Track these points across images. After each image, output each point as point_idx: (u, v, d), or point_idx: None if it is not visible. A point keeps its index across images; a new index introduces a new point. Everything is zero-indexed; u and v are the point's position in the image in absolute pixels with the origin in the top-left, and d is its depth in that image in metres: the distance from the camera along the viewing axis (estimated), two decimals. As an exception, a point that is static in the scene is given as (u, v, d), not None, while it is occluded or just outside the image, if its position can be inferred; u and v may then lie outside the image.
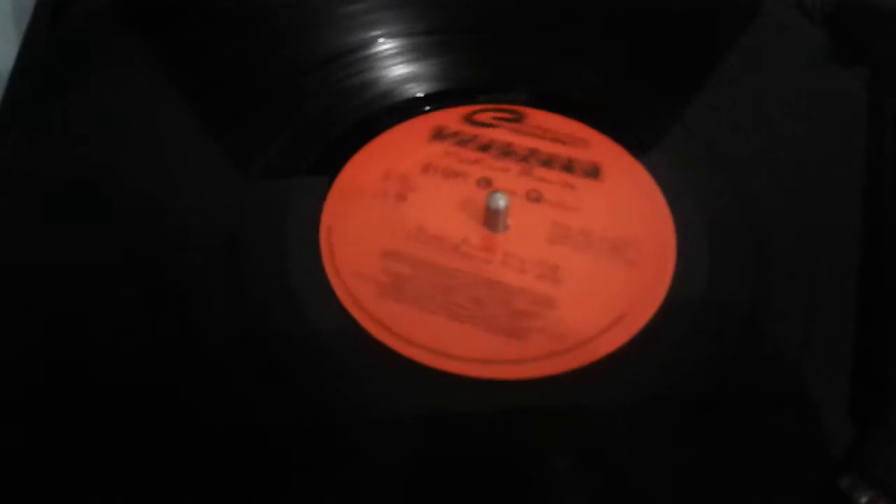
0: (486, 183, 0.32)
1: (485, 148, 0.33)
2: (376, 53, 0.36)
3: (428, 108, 0.34)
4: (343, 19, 0.36)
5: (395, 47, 0.36)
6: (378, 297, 0.28)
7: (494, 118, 0.34)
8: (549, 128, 0.34)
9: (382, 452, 0.25)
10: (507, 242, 0.30)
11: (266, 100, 0.34)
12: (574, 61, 0.36)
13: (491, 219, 0.30)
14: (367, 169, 0.32)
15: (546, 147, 0.33)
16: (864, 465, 0.23)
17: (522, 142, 0.33)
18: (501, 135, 0.34)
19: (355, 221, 0.31)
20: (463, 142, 0.33)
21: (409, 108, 0.34)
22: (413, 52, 0.36)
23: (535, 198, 0.32)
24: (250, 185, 0.31)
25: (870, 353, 0.27)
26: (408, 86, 0.35)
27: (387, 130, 0.33)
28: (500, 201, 0.30)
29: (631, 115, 0.34)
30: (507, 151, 0.33)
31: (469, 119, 0.34)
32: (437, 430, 0.26)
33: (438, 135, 0.33)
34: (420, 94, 0.35)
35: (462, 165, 0.32)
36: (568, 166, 0.33)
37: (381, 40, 0.36)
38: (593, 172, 0.32)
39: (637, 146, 0.33)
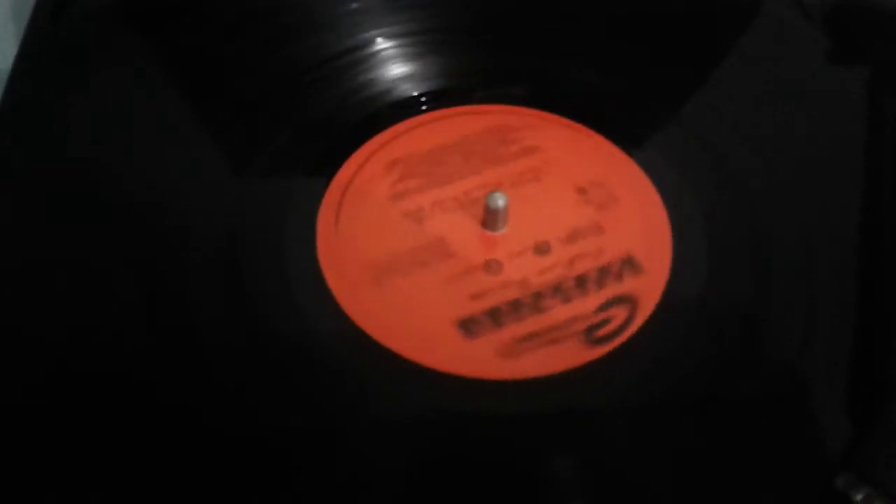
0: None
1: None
2: (375, 53, 0.36)
3: (425, 107, 0.34)
4: (342, 18, 0.36)
5: (394, 46, 0.36)
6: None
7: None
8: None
9: (383, 454, 0.25)
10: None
11: (266, 99, 0.34)
12: (573, 61, 0.36)
13: (490, 219, 0.30)
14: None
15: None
16: (862, 464, 0.24)
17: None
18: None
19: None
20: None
21: (407, 107, 0.34)
22: (412, 52, 0.36)
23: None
24: (250, 185, 0.31)
25: (869, 353, 0.27)
26: (406, 85, 0.35)
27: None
28: (499, 200, 0.30)
29: (630, 114, 0.34)
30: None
31: None
32: (453, 430, 0.26)
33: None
34: (416, 93, 0.35)
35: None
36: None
37: (378, 39, 0.36)
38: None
39: (636, 145, 0.33)
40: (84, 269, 0.29)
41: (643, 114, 0.34)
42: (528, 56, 0.36)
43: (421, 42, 0.36)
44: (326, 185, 0.32)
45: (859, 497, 0.23)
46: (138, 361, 0.27)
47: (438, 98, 0.35)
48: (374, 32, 0.36)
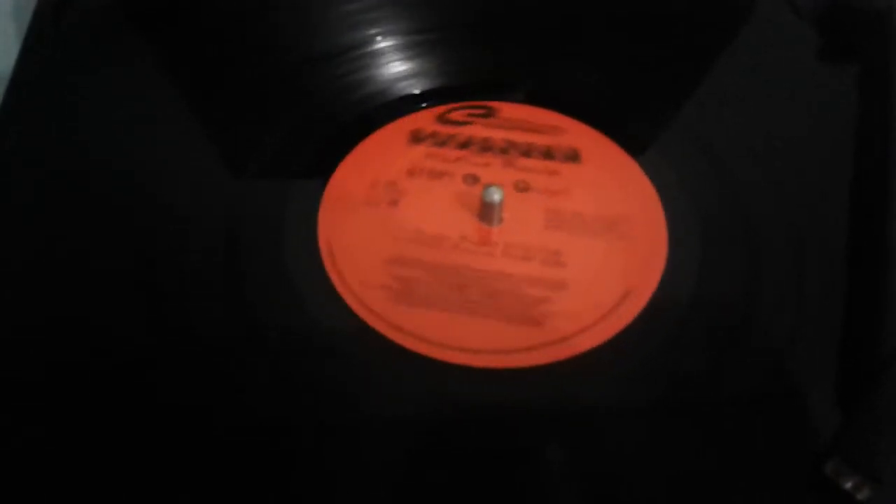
0: (472, 179, 0.32)
1: (464, 145, 0.33)
2: (375, 51, 0.36)
3: (424, 104, 0.35)
4: (345, 17, 0.37)
5: (393, 45, 0.36)
6: (388, 301, 0.29)
7: (468, 115, 0.34)
8: (521, 119, 0.34)
9: (405, 450, 0.26)
10: (505, 234, 0.31)
11: (266, 99, 0.34)
12: (572, 60, 0.36)
13: (486, 213, 0.31)
14: (354, 176, 0.33)
15: (522, 137, 0.34)
16: (848, 451, 0.24)
17: (499, 135, 0.34)
18: (477, 131, 0.34)
19: (351, 226, 0.31)
20: (441, 142, 0.33)
21: (405, 106, 0.35)
22: (411, 50, 0.36)
23: (523, 188, 0.32)
24: (250, 185, 0.32)
25: (858, 346, 0.27)
26: (405, 83, 0.35)
27: (363, 140, 0.34)
28: (495, 195, 0.30)
29: (627, 113, 0.35)
30: (485, 146, 0.33)
31: (443, 119, 0.34)
32: (462, 423, 0.26)
33: (416, 138, 0.34)
34: (416, 92, 0.35)
35: (445, 165, 0.33)
36: (547, 153, 0.33)
37: (378, 38, 0.36)
38: (573, 156, 0.33)
39: (633, 144, 0.33)
40: (84, 269, 0.29)
41: (639, 112, 0.35)
42: (526, 54, 0.36)
43: (418, 40, 0.36)
44: (326, 184, 0.32)
45: (848, 484, 0.23)
46: (138, 361, 0.27)
47: (436, 96, 0.35)
48: (372, 31, 0.36)
